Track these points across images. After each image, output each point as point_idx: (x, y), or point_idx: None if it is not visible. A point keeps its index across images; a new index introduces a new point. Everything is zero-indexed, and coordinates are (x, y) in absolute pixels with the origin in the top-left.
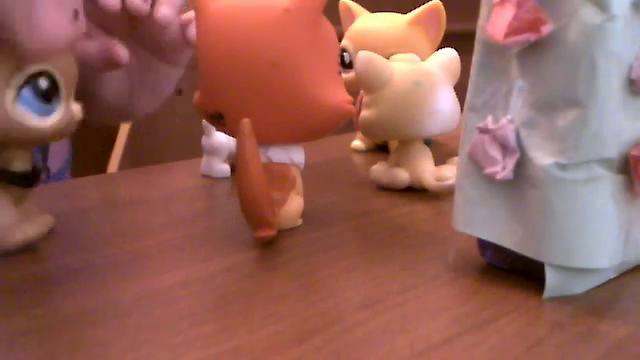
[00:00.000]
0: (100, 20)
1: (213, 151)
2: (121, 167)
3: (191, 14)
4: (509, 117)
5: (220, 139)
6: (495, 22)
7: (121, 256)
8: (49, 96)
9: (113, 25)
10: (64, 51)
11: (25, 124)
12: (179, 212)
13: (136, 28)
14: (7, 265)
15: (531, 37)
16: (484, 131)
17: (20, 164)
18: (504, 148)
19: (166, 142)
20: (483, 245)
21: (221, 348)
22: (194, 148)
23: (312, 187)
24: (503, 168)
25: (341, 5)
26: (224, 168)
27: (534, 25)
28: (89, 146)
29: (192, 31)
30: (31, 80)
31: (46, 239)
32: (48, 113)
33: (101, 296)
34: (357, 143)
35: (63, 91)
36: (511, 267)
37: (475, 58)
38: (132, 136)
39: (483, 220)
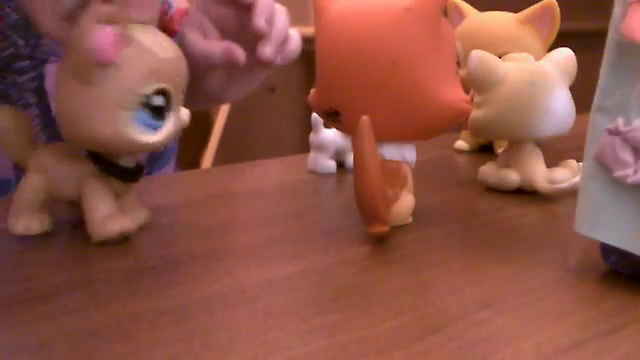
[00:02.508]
0: (217, 21)
1: (320, 147)
2: (214, 163)
3: (291, 30)
4: None
5: (328, 136)
6: (632, 22)
7: (241, 245)
8: (162, 112)
9: (227, 27)
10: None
11: (139, 141)
12: (289, 206)
13: (245, 32)
14: (139, 250)
15: None
16: (615, 133)
17: (127, 160)
18: (636, 151)
19: (258, 139)
20: (607, 250)
21: (346, 338)
22: (285, 145)
23: (419, 186)
24: (635, 172)
25: (449, 4)
26: (330, 164)
27: None
28: (182, 142)
29: (291, 47)
30: (147, 99)
31: (172, 226)
32: (160, 128)
33: (228, 282)
34: (460, 143)
35: (175, 103)
36: (636, 273)
37: (606, 58)
38: (225, 133)
39: (609, 224)
